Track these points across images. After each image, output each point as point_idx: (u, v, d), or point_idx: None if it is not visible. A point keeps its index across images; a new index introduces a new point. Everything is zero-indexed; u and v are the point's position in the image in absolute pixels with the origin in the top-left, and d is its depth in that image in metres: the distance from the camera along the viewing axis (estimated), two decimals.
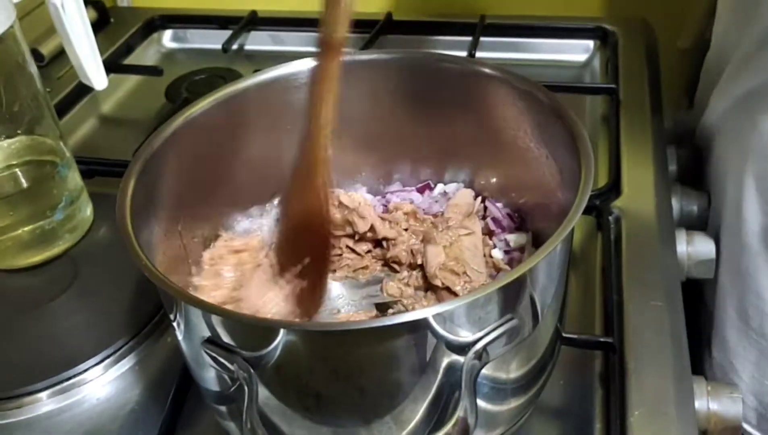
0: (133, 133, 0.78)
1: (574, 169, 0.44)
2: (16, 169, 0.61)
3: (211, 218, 0.54)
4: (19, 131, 0.60)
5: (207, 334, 0.38)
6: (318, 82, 0.45)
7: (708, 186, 0.72)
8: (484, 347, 0.35)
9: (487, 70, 0.52)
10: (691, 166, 0.77)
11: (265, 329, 0.35)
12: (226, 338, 0.36)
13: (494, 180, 0.57)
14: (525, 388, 0.43)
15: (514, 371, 0.41)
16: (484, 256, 0.54)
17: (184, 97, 0.81)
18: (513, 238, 0.54)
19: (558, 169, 0.47)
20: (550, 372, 0.46)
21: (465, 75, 0.54)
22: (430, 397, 0.36)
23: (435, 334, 0.34)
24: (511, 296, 0.36)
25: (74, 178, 0.65)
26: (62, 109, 0.82)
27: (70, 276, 0.61)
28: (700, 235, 0.67)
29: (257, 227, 0.57)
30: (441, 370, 0.36)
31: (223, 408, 0.45)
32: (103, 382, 0.53)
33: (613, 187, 0.64)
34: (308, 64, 0.55)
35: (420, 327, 0.34)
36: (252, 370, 0.36)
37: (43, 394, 0.52)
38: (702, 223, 0.71)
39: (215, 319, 0.36)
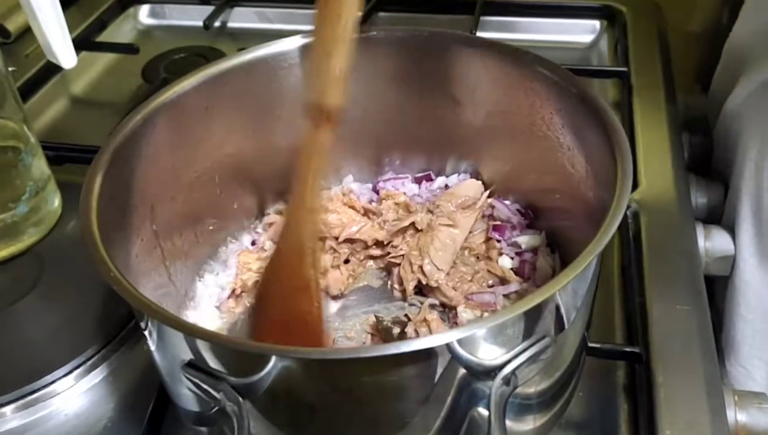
0: (107, 117, 0.72)
1: (604, 162, 0.39)
2: None
3: (190, 221, 0.48)
4: None
5: (188, 356, 0.33)
6: (306, 153, 0.40)
7: (725, 176, 0.67)
8: (514, 371, 0.30)
9: (498, 50, 0.47)
10: (704, 154, 0.73)
11: (259, 356, 0.29)
12: (211, 363, 0.31)
13: (504, 171, 0.52)
14: (550, 403, 0.38)
15: (539, 385, 0.36)
16: (490, 259, 0.49)
17: (162, 77, 0.75)
18: (525, 240, 0.49)
19: (582, 162, 0.42)
20: (576, 384, 0.41)
21: (473, 55, 0.49)
22: (451, 428, 0.31)
23: (457, 358, 0.30)
24: (543, 314, 0.31)
25: (40, 166, 0.59)
26: (29, 89, 0.75)
27: (35, 275, 0.55)
28: (717, 230, 0.63)
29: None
30: (464, 399, 0.31)
31: (203, 429, 0.40)
32: (73, 395, 0.48)
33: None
34: (297, 42, 0.50)
35: (439, 352, 0.29)
36: (241, 400, 0.31)
37: (7, 409, 0.47)
38: (716, 217, 0.67)
39: (200, 343, 0.31)
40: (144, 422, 0.45)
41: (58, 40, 0.57)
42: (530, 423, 0.37)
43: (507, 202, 0.52)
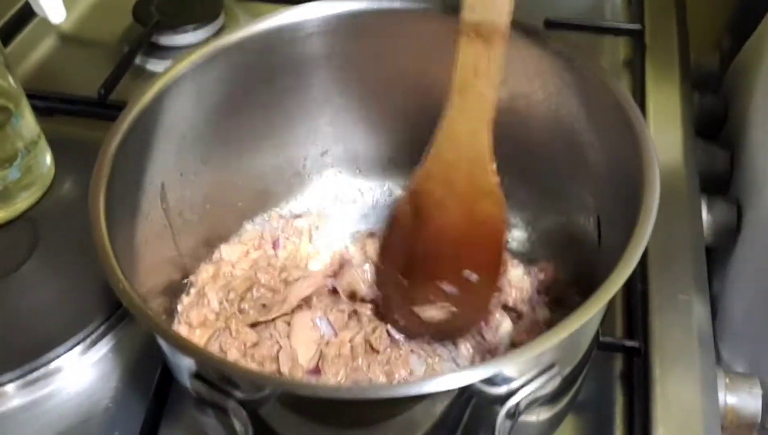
0: (96, 59, 0.70)
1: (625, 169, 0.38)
2: None
3: (200, 197, 0.47)
4: None
5: (195, 368, 0.32)
6: (468, 75, 0.39)
7: (734, 143, 0.66)
8: (518, 403, 0.30)
9: (530, 34, 0.44)
10: (713, 117, 0.71)
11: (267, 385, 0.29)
12: (219, 379, 0.31)
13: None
14: (559, 398, 0.39)
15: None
16: None
17: (155, 19, 0.70)
18: None
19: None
20: (584, 379, 0.41)
21: None
22: None
23: (467, 390, 0.30)
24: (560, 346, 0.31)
25: (29, 124, 0.55)
26: (9, 32, 0.71)
27: (30, 243, 0.53)
28: (721, 202, 0.62)
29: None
30: (464, 428, 0.31)
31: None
32: (76, 372, 0.47)
33: None
34: (317, 10, 0.46)
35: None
36: (248, 418, 0.31)
37: (8, 388, 0.46)
38: (722, 186, 0.66)
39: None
40: (148, 402, 0.45)
41: None
42: (535, 416, 0.38)
43: None
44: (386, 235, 0.46)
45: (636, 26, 0.67)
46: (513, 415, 0.30)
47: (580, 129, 0.43)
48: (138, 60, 0.69)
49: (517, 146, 0.47)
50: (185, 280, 0.48)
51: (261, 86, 0.47)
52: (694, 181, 0.57)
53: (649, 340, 0.46)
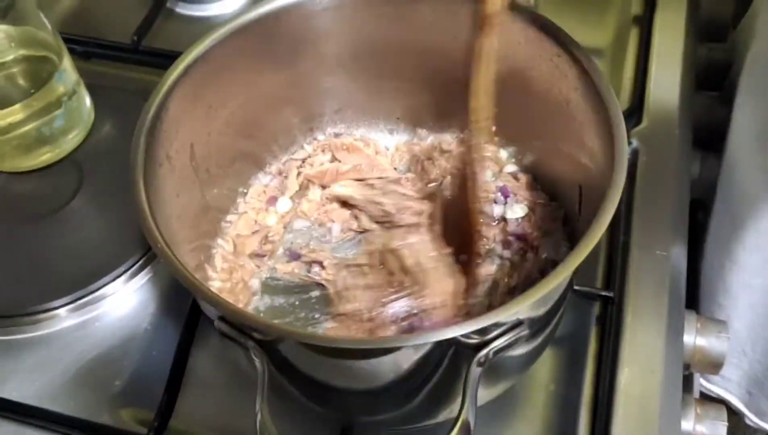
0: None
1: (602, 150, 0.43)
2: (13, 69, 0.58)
3: (225, 154, 0.53)
4: None
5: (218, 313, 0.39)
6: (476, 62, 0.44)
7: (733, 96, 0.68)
8: (487, 353, 0.36)
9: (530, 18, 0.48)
10: (718, 70, 0.72)
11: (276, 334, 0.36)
12: (239, 325, 0.37)
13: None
14: (535, 335, 0.44)
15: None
16: None
17: None
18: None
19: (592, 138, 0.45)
20: (560, 318, 0.47)
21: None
22: (433, 395, 0.39)
23: (444, 343, 0.36)
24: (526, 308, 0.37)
25: (70, 72, 0.60)
26: None
27: (76, 182, 0.59)
28: (714, 157, 0.65)
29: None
30: (445, 374, 0.38)
31: None
32: (119, 299, 0.54)
33: (635, 112, 0.61)
34: None
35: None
36: (265, 357, 0.37)
37: (61, 311, 0.53)
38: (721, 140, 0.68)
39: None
40: (182, 322, 0.51)
41: None
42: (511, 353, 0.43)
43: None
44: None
45: None
46: (483, 363, 0.36)
47: (570, 108, 0.47)
48: (169, 3, 0.73)
49: (517, 111, 0.52)
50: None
51: (281, 56, 0.52)
52: (686, 141, 0.60)
53: (623, 291, 0.51)
